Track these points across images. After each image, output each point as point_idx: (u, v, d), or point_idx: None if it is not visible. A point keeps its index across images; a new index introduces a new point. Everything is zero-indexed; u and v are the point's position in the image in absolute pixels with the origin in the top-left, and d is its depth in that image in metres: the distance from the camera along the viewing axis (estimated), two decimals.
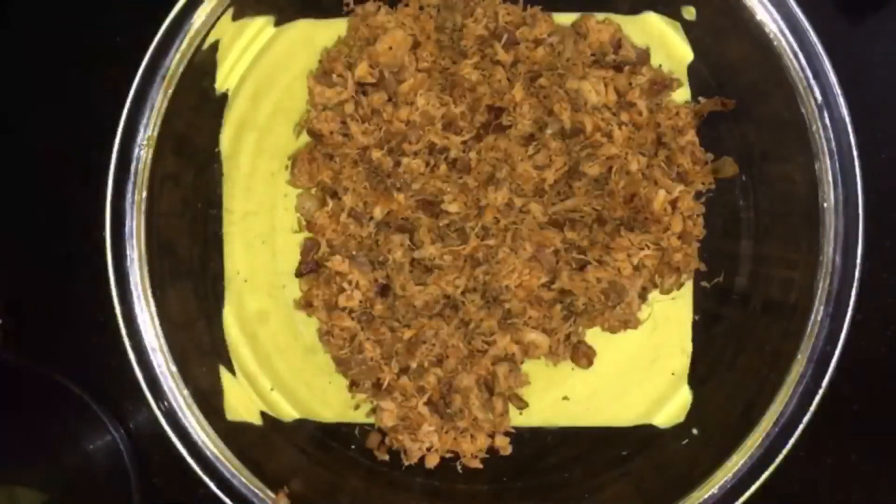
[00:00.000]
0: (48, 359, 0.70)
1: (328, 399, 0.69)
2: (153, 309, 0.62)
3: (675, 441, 0.67)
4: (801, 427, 0.60)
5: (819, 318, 0.60)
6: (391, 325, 0.65)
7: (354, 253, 0.65)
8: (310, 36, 0.68)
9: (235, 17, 0.64)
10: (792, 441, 0.60)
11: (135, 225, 0.61)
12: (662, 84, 0.66)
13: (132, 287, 0.61)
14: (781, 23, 0.60)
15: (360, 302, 0.65)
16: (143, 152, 0.61)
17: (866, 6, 0.70)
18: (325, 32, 0.67)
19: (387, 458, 0.67)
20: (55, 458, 0.71)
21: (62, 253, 0.71)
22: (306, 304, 0.67)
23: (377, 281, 0.65)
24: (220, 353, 0.68)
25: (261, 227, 0.68)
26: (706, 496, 0.61)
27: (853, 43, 0.70)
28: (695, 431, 0.66)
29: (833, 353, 0.60)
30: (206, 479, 0.62)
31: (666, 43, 0.68)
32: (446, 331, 0.65)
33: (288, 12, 0.67)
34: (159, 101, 0.61)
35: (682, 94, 0.67)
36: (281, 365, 0.69)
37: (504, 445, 0.66)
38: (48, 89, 0.71)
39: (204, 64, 0.64)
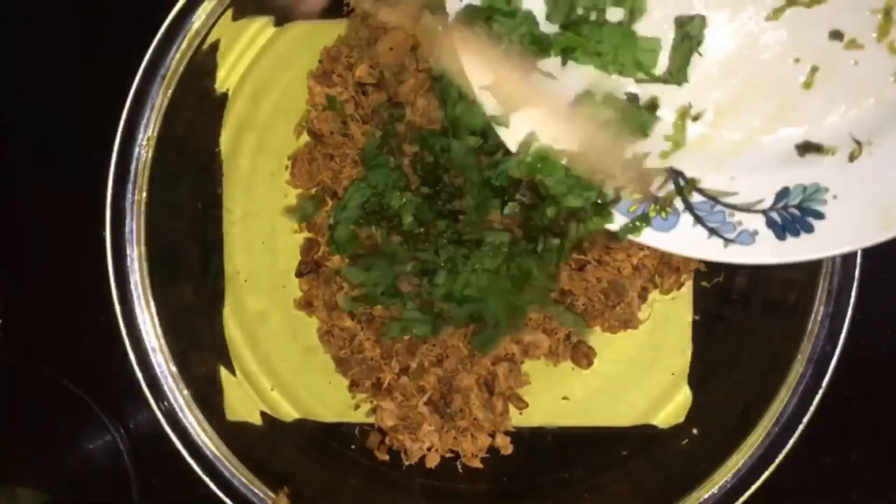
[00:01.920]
0: (48, 359, 0.70)
1: (328, 399, 0.69)
2: (153, 309, 0.62)
3: (675, 441, 0.67)
4: (801, 427, 0.60)
5: (819, 318, 0.60)
6: None
7: None
8: (310, 36, 0.68)
9: (235, 18, 0.64)
10: (792, 441, 0.60)
11: (135, 225, 0.61)
12: None
13: (132, 287, 0.61)
14: None
15: None
16: (143, 152, 0.61)
17: None
18: (325, 33, 0.67)
19: (387, 458, 0.67)
20: (55, 458, 0.71)
21: (62, 253, 0.71)
22: (306, 304, 0.67)
23: None
24: (220, 353, 0.68)
25: (261, 227, 0.68)
26: (706, 496, 0.61)
27: None
28: (695, 431, 0.66)
29: (833, 353, 0.60)
30: (206, 479, 0.62)
31: None
32: (446, 331, 0.65)
33: (288, 12, 0.67)
34: (159, 101, 0.61)
35: None
36: (281, 365, 0.69)
37: (505, 445, 0.67)
38: (48, 89, 0.71)
39: (204, 64, 0.64)
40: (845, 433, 0.70)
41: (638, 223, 0.54)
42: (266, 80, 0.67)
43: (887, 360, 0.70)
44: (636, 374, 0.68)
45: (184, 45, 0.61)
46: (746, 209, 0.54)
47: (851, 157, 0.53)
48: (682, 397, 0.68)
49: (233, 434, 0.64)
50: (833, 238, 0.53)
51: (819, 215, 0.53)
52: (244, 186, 0.68)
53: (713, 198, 0.54)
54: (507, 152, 0.56)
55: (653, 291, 0.66)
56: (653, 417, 0.68)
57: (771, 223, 0.53)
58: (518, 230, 0.63)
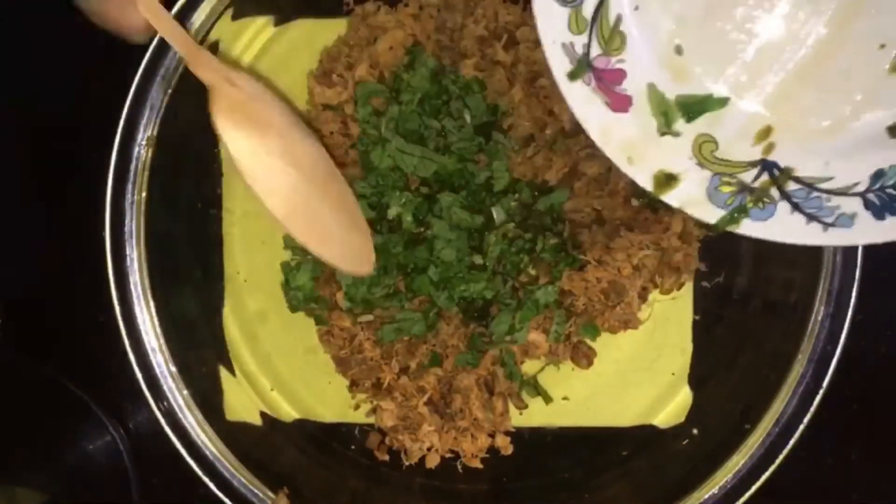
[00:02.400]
0: (48, 359, 0.70)
1: (328, 399, 0.69)
2: (153, 309, 0.62)
3: (675, 441, 0.67)
4: (801, 427, 0.60)
5: (819, 318, 0.60)
6: None
7: None
8: (310, 36, 0.68)
9: (235, 17, 0.64)
10: (792, 441, 0.60)
11: (135, 225, 0.61)
12: None
13: (132, 287, 0.61)
14: None
15: None
16: (143, 152, 0.61)
17: None
18: (325, 32, 0.67)
19: (387, 458, 0.67)
20: (55, 458, 0.71)
21: (62, 253, 0.71)
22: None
23: None
24: (220, 353, 0.68)
25: (261, 227, 0.68)
26: (706, 496, 0.61)
27: None
28: (695, 431, 0.66)
29: (833, 353, 0.60)
30: (206, 479, 0.62)
31: None
32: (446, 331, 0.65)
33: (288, 12, 0.67)
34: (159, 101, 0.61)
35: None
36: (281, 365, 0.69)
37: (505, 445, 0.67)
38: (48, 89, 0.71)
39: None
40: (845, 433, 0.70)
41: (736, 215, 0.55)
42: (266, 80, 0.67)
43: (887, 360, 0.70)
44: (636, 374, 0.68)
45: None
46: (843, 193, 0.54)
47: None
48: (682, 397, 0.68)
49: (232, 434, 0.64)
50: None
51: None
52: (244, 186, 0.68)
53: (809, 184, 0.54)
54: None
55: (653, 291, 0.67)
56: (653, 417, 0.68)
57: (869, 205, 0.53)
58: (517, 229, 0.64)
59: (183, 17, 0.60)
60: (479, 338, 0.65)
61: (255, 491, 0.62)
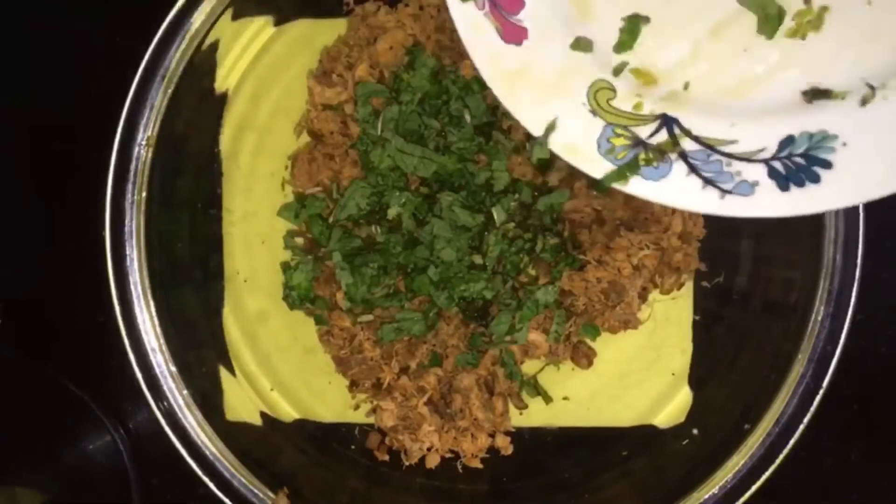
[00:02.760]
0: (48, 359, 0.70)
1: (328, 399, 0.69)
2: (153, 309, 0.62)
3: (675, 441, 0.67)
4: (801, 427, 0.60)
5: (819, 318, 0.60)
6: None
7: None
8: (310, 36, 0.68)
9: (235, 17, 0.64)
10: (792, 441, 0.60)
11: (135, 225, 0.61)
12: None
13: (132, 287, 0.62)
14: None
15: None
16: (143, 152, 0.61)
17: None
18: (325, 32, 0.67)
19: (387, 458, 0.67)
20: (55, 458, 0.71)
21: (62, 253, 0.71)
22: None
23: None
24: (220, 353, 0.68)
25: (261, 227, 0.68)
26: (706, 496, 0.61)
27: None
28: (695, 431, 0.66)
29: (833, 353, 0.60)
30: (205, 479, 0.62)
31: None
32: (446, 331, 0.65)
33: (287, 12, 0.67)
34: (159, 101, 0.61)
35: None
36: (281, 365, 0.69)
37: (505, 445, 0.67)
38: (47, 89, 0.71)
39: (204, 64, 0.64)
40: (845, 433, 0.70)
41: (626, 171, 0.50)
42: (266, 80, 0.67)
43: (887, 360, 0.70)
44: (636, 374, 0.68)
45: (183, 45, 0.61)
46: (746, 158, 0.50)
47: (863, 102, 0.49)
48: (682, 397, 0.68)
49: (232, 434, 0.64)
50: (840, 190, 0.49)
51: (826, 164, 0.49)
52: (244, 186, 0.68)
53: (709, 146, 0.50)
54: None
55: (653, 291, 0.66)
56: (653, 417, 0.68)
57: (773, 173, 0.49)
58: (517, 229, 0.64)
59: (183, 17, 0.61)
60: (479, 338, 0.65)
61: (255, 491, 0.62)
